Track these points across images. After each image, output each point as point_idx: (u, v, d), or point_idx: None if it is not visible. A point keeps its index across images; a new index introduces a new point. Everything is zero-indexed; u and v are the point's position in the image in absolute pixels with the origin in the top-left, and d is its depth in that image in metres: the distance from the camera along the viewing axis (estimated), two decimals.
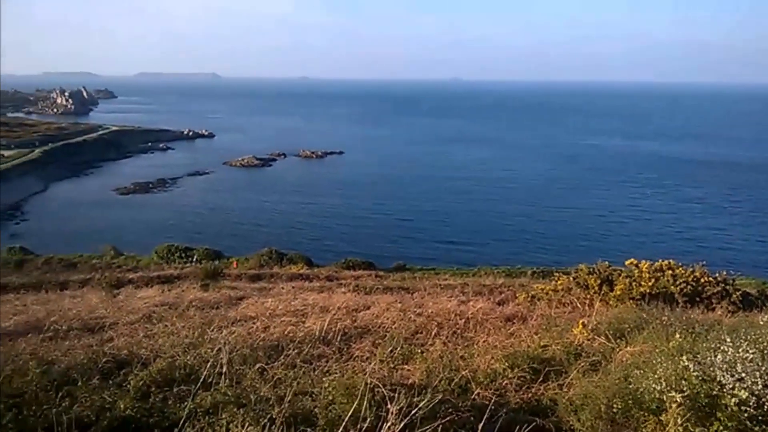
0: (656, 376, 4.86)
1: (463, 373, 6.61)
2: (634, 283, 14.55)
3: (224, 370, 6.20)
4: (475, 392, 6.25)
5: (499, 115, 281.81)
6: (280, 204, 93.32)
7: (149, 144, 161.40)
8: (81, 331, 11.59)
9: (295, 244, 58.43)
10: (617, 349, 7.54)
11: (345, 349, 8.35)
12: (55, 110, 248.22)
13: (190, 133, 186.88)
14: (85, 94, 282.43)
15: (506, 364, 6.96)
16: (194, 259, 39.67)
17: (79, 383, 5.83)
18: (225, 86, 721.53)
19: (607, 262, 15.82)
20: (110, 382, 6.17)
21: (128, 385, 5.80)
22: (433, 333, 9.72)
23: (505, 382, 6.63)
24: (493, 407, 5.51)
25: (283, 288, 21.40)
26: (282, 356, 7.36)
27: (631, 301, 13.31)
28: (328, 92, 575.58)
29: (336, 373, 6.49)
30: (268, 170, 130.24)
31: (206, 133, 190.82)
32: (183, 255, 41.85)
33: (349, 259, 41.10)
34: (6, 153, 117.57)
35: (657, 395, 4.73)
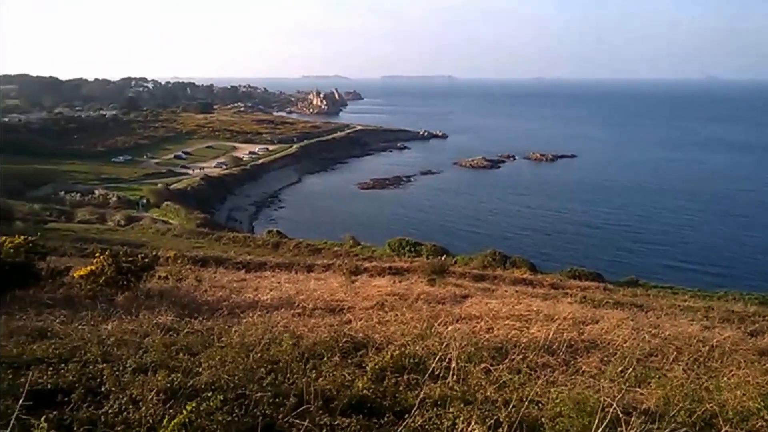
0: None
1: (708, 406, 5.94)
2: None
3: (452, 365, 6.37)
4: (723, 430, 5.58)
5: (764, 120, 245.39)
6: (505, 206, 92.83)
7: (388, 143, 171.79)
8: (323, 311, 12.77)
9: (519, 248, 57.60)
10: None
11: (571, 362, 8.01)
12: (311, 110, 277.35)
13: (425, 134, 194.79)
14: (336, 95, 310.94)
15: (762, 403, 6.09)
16: (423, 254, 41.30)
17: (324, 358, 6.46)
18: (460, 88, 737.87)
19: None
20: (349, 361, 6.71)
21: (366, 367, 6.27)
22: (671, 358, 8.87)
23: (760, 423, 5.81)
24: None
25: (506, 291, 21.20)
26: (507, 360, 7.32)
27: None
28: (564, 93, 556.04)
29: (563, 386, 6.28)
30: (496, 172, 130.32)
31: (440, 134, 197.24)
32: (412, 249, 43.83)
33: (576, 268, 39.32)
34: (271, 147, 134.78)
35: None
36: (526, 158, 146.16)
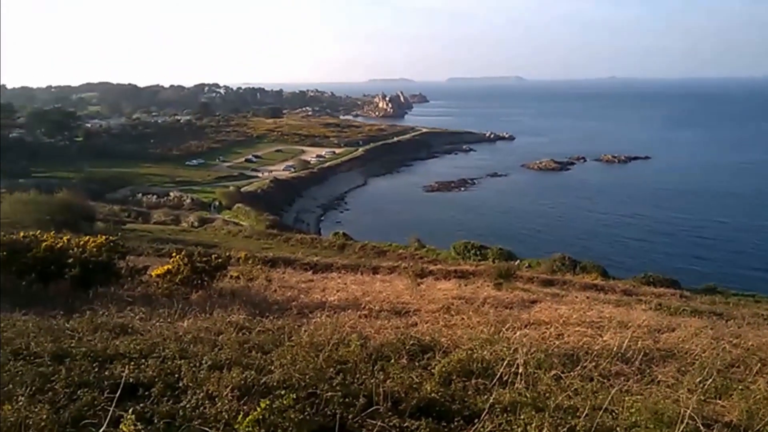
0: None
1: None
2: None
3: (521, 370, 6.27)
4: None
5: None
6: (574, 209, 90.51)
7: (453, 145, 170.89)
8: (389, 312, 12.82)
9: (589, 253, 56.03)
10: None
11: (646, 371, 7.73)
12: (377, 113, 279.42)
13: (492, 136, 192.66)
14: (402, 98, 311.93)
15: None
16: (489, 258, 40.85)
17: (392, 360, 6.49)
18: (529, 89, 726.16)
19: None
20: (416, 363, 6.72)
21: (433, 370, 6.26)
22: (754, 369, 8.42)
23: None
24: None
25: (576, 297, 20.67)
26: (578, 367, 7.14)
27: None
28: (637, 92, 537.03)
29: (638, 395, 6.08)
30: (565, 174, 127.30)
31: (507, 136, 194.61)
32: (478, 253, 43.41)
33: (650, 274, 37.83)
34: (337, 150, 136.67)
35: None
36: (597, 160, 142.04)
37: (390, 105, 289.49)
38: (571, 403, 5.56)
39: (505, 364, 6.48)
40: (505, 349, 7.37)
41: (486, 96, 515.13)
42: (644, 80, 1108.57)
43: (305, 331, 8.05)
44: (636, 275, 37.68)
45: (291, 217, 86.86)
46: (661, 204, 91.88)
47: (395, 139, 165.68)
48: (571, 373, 6.70)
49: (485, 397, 5.50)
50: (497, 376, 6.19)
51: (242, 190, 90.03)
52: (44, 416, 4.27)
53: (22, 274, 11.55)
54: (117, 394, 4.89)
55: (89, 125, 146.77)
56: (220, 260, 13.94)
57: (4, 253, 11.38)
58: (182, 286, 12.44)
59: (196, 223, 62.03)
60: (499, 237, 62.04)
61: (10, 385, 4.92)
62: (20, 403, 4.45)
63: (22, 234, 12.94)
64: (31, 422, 4.20)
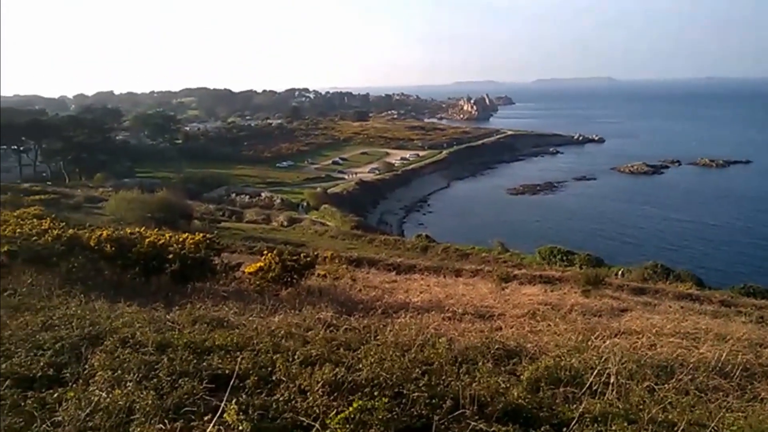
0: None
1: None
2: None
3: (612, 380, 6.09)
4: None
5: None
6: (668, 215, 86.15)
7: (540, 148, 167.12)
8: (473, 316, 12.76)
9: (683, 261, 53.24)
10: None
11: (747, 387, 7.29)
12: (461, 116, 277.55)
13: (580, 138, 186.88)
14: (487, 101, 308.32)
15: None
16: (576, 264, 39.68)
17: (478, 364, 6.46)
18: (619, 89, 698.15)
19: None
20: (502, 368, 6.65)
21: (519, 375, 6.19)
22: None
23: None
24: None
25: (669, 306, 19.74)
26: (673, 379, 6.84)
27: None
28: (737, 93, 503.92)
29: (738, 412, 5.76)
30: (658, 178, 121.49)
31: (596, 138, 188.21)
32: (564, 258, 42.26)
33: (750, 285, 35.46)
34: (421, 153, 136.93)
35: None
36: (693, 164, 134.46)
37: (474, 107, 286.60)
38: (666, 416, 5.35)
39: (594, 373, 6.31)
40: (594, 357, 7.18)
41: (574, 97, 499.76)
42: (745, 80, 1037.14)
43: (390, 330, 8.15)
44: (734, 286, 35.45)
45: (375, 218, 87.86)
46: (762, 210, 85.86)
47: (479, 141, 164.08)
48: (666, 386, 6.43)
49: (574, 405, 5.37)
50: (587, 385, 6.03)
51: (329, 191, 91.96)
52: (149, 401, 4.53)
53: (126, 267, 12.37)
54: (213, 385, 5.18)
55: (188, 128, 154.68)
56: (308, 259, 14.35)
57: (113, 248, 12.22)
58: (273, 283, 12.91)
59: (285, 223, 63.95)
60: (586, 242, 60.11)
61: (119, 371, 5.29)
62: (128, 388, 4.77)
63: (128, 230, 13.85)
64: (137, 406, 4.49)
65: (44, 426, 4.14)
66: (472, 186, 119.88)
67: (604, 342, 8.87)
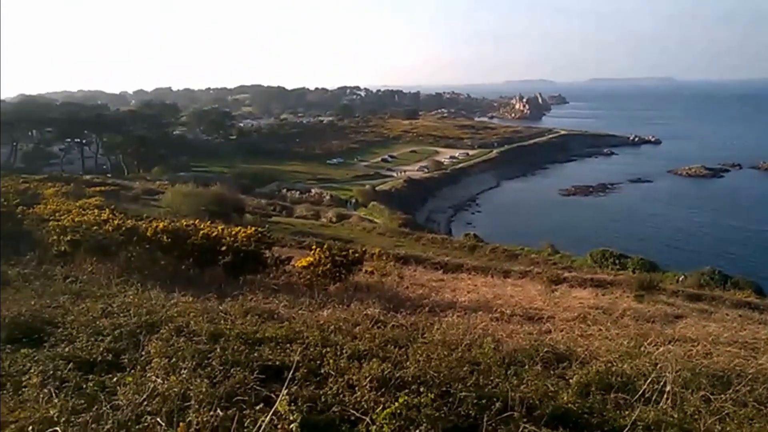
0: None
1: None
2: None
3: (668, 389, 5.91)
4: None
5: None
6: (726, 220, 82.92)
7: (594, 148, 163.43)
8: (521, 317, 12.62)
9: (742, 268, 51.07)
10: None
11: None
12: (513, 115, 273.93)
13: (636, 139, 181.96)
14: (540, 99, 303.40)
15: None
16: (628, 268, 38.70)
17: (526, 366, 6.39)
18: (679, 90, 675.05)
19: None
20: (551, 372, 6.55)
21: (569, 379, 6.08)
22: None
23: None
24: None
25: (726, 314, 19.05)
26: (730, 390, 6.60)
27: None
28: None
29: None
30: (718, 182, 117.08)
31: (652, 139, 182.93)
32: (616, 261, 41.29)
33: None
34: (471, 152, 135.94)
35: None
36: (755, 167, 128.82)
37: (527, 106, 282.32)
38: (723, 428, 5.17)
39: (648, 381, 6.15)
40: (647, 364, 7.00)
41: (630, 97, 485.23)
42: None
43: (437, 329, 8.14)
44: None
45: (423, 216, 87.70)
46: None
47: (531, 141, 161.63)
48: (722, 396, 6.20)
49: (626, 412, 5.25)
50: (639, 393, 5.88)
51: (377, 188, 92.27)
52: (203, 389, 4.64)
53: (181, 258, 12.74)
54: (265, 376, 5.28)
55: (242, 124, 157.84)
56: (356, 255, 14.47)
57: (168, 239, 12.60)
58: (322, 277, 13.07)
59: (334, 219, 64.59)
60: (640, 246, 58.36)
61: (174, 359, 5.46)
62: (183, 376, 4.91)
63: (183, 222, 14.25)
64: (192, 393, 4.62)
65: (105, 408, 4.29)
66: (523, 186, 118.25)
67: (658, 349, 8.63)
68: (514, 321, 11.74)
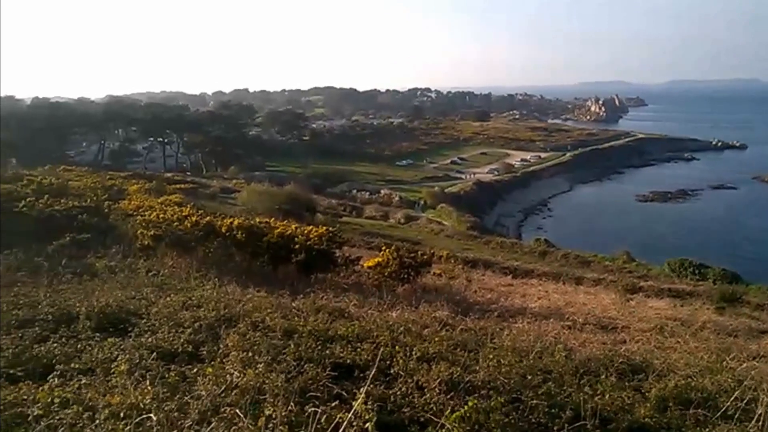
0: None
1: None
2: None
3: (760, 411, 5.60)
4: None
5: None
6: None
7: (673, 153, 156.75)
8: (594, 326, 12.29)
9: None
10: None
11: None
12: (588, 117, 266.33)
13: (719, 144, 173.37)
14: (616, 102, 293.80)
15: None
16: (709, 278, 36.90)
17: (601, 377, 6.21)
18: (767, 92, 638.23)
19: None
20: (626, 384, 6.34)
21: (646, 393, 5.88)
22: None
23: None
24: None
25: None
26: None
27: None
28: None
29: None
30: None
31: (737, 144, 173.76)
32: (696, 272, 39.41)
33: None
34: (543, 155, 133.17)
35: None
36: None
37: (603, 108, 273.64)
38: None
39: (732, 398, 5.87)
40: (729, 380, 6.67)
41: (713, 100, 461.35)
42: None
43: (507, 335, 8.06)
44: None
45: (492, 220, 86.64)
46: None
47: (607, 144, 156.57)
48: None
49: (706, 430, 5.05)
50: (721, 410, 5.62)
51: (446, 190, 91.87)
52: (279, 384, 4.78)
53: (256, 255, 13.14)
54: (337, 373, 5.38)
55: (315, 126, 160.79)
56: (425, 257, 14.49)
57: (244, 236, 13.03)
58: (390, 278, 13.17)
59: (402, 220, 64.83)
60: (722, 256, 55.36)
61: (250, 353, 5.64)
62: (259, 369, 5.07)
63: (258, 219, 14.70)
64: (267, 387, 4.77)
65: (186, 398, 4.49)
66: (597, 191, 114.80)
67: (741, 364, 8.22)
68: (586, 330, 11.45)
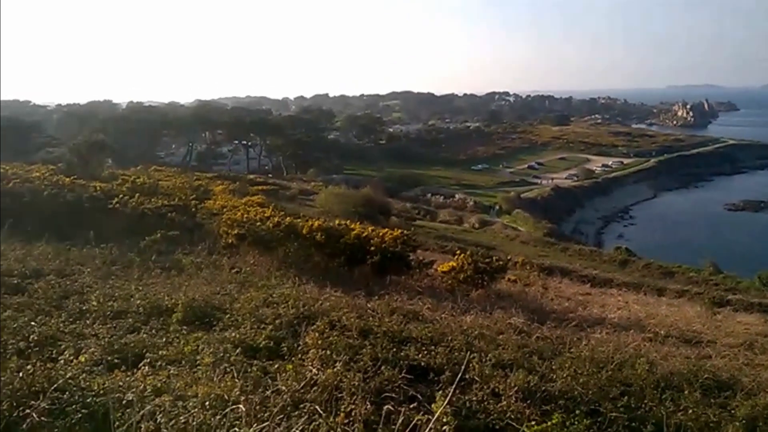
0: None
1: None
2: None
3: None
4: None
5: None
6: None
7: (767, 160, 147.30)
8: (677, 340, 11.77)
9: None
10: None
11: None
12: (674, 122, 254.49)
13: None
14: (706, 106, 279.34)
15: None
16: None
17: (685, 392, 5.99)
18: None
19: None
20: (711, 401, 6.10)
21: (734, 411, 5.63)
22: None
23: None
24: None
25: None
26: None
27: None
28: None
29: None
30: None
31: None
32: None
33: None
34: (626, 161, 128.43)
35: None
36: None
37: (690, 113, 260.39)
38: None
39: None
40: None
41: None
42: None
43: (585, 345, 7.89)
44: None
45: (569, 226, 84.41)
46: None
47: (694, 150, 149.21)
48: None
49: None
50: None
51: (522, 196, 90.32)
52: (356, 383, 4.90)
53: (333, 256, 13.44)
54: (412, 375, 5.44)
55: (391, 130, 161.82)
56: (500, 263, 14.35)
57: (322, 237, 13.35)
58: (464, 283, 13.13)
59: (476, 225, 64.25)
60: None
61: (328, 351, 5.80)
62: (337, 368, 5.21)
63: (337, 222, 15.03)
64: (344, 385, 4.90)
65: (267, 392, 4.67)
66: (683, 198, 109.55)
67: None
68: (669, 343, 11.00)
